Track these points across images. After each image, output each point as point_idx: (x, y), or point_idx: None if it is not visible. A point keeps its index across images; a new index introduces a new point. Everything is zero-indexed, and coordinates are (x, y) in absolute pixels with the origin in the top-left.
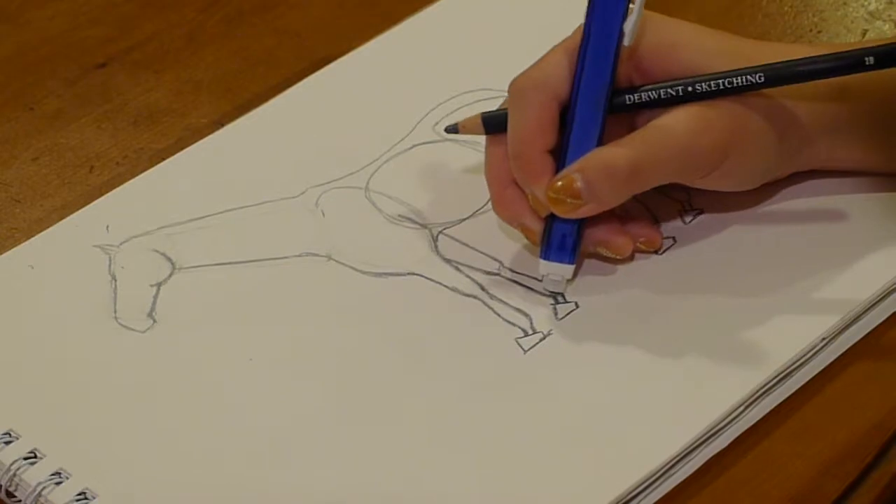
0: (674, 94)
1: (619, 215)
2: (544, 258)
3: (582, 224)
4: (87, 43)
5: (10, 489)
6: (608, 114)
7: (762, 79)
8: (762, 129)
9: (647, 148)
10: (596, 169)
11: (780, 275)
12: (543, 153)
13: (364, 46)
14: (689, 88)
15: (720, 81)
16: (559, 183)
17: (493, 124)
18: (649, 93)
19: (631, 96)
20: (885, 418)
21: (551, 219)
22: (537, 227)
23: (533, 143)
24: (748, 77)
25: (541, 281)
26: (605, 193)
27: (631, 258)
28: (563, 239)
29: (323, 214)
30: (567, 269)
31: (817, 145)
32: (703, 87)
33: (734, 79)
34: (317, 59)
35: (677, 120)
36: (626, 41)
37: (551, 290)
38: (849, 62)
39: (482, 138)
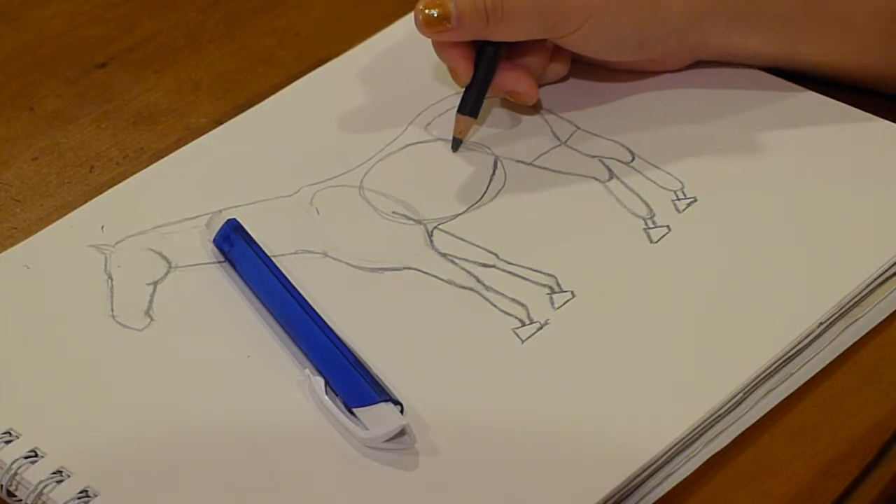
0: None
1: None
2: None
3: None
4: (87, 43)
5: (11, 488)
6: None
7: None
8: None
9: None
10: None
11: (776, 261)
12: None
13: (356, 48)
14: None
15: None
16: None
17: (467, 108)
18: None
19: None
20: (885, 418)
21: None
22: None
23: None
24: None
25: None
26: (467, 23)
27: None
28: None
29: (318, 212)
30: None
31: (707, 27)
32: None
33: None
34: (317, 59)
35: None
36: None
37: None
38: None
39: (485, 138)
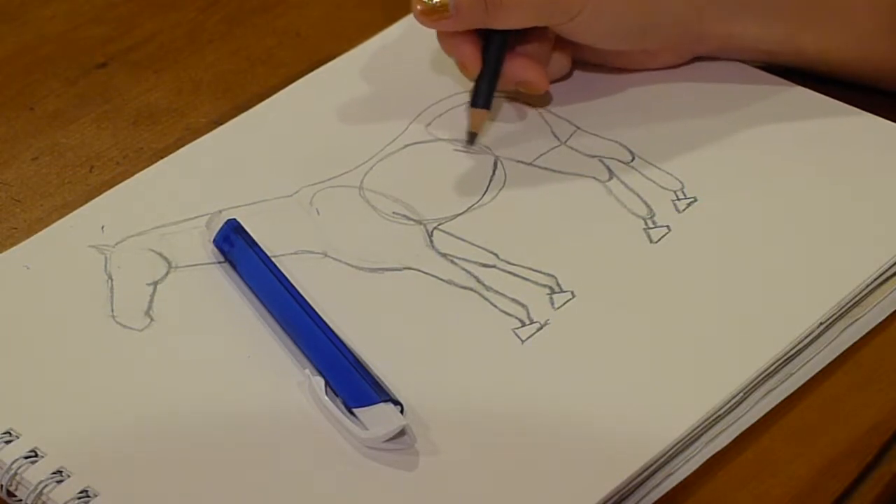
0: None
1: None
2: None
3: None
4: (87, 43)
5: (11, 488)
6: None
7: None
8: None
9: None
10: None
11: (776, 261)
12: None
13: (356, 48)
14: None
15: None
16: None
17: (480, 100)
18: None
19: None
20: (885, 418)
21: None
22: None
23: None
24: None
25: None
26: (465, 11)
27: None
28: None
29: (318, 213)
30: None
31: (708, 16)
32: None
33: None
34: (317, 59)
35: None
36: None
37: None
38: None
39: (484, 138)
